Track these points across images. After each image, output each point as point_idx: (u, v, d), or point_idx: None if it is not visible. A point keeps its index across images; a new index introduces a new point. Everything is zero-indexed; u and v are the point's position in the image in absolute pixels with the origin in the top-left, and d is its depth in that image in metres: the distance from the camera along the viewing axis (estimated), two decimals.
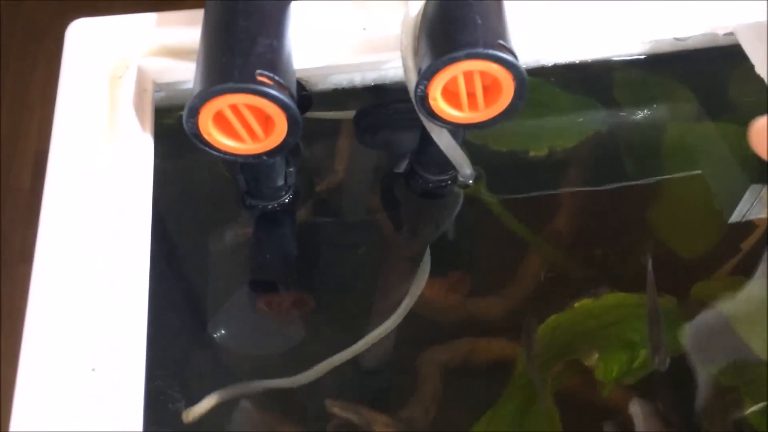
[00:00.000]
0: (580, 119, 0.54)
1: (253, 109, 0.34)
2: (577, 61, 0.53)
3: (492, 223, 0.48)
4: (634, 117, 0.54)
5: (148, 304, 0.33)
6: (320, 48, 0.40)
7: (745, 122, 0.51)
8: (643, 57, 0.54)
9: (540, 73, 0.54)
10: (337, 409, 0.40)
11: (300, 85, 0.48)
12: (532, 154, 0.51)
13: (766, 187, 0.49)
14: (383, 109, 0.50)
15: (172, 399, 0.39)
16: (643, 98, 0.54)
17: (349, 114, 0.50)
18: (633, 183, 0.50)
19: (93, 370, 0.29)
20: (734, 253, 0.48)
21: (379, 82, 0.50)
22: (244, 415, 0.40)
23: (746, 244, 0.48)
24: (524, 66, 0.52)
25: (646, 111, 0.54)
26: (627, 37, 0.49)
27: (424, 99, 0.35)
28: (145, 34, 0.40)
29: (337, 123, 0.51)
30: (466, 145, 0.49)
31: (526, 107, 0.52)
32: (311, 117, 0.49)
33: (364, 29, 0.40)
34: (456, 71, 0.34)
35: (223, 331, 0.41)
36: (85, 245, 0.33)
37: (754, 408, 0.41)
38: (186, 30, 0.39)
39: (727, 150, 0.52)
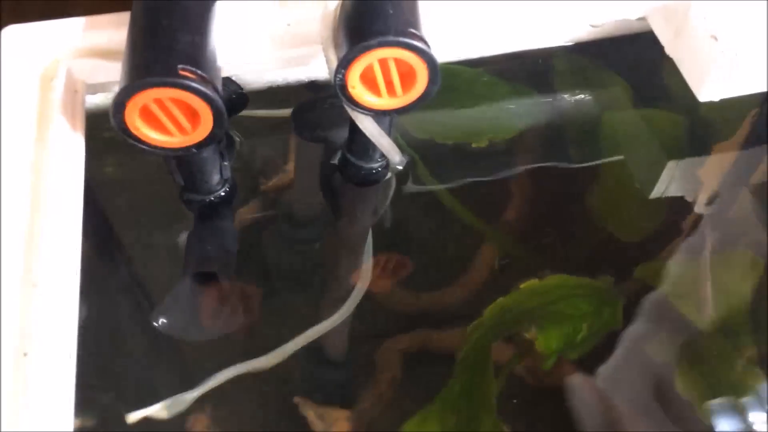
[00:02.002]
0: (520, 109, 0.56)
1: (178, 102, 0.36)
2: (511, 52, 0.55)
3: (439, 212, 0.50)
4: (572, 105, 0.55)
5: (84, 299, 0.35)
6: (246, 45, 0.41)
7: (678, 108, 0.54)
8: (581, 44, 0.55)
9: (478, 64, 0.56)
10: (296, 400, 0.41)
11: (235, 84, 0.49)
12: (474, 145, 0.53)
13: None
14: (319, 103, 0.52)
15: (111, 396, 0.40)
16: (582, 86, 0.56)
17: (287, 111, 0.52)
18: (574, 170, 0.52)
19: (25, 354, 0.31)
20: (674, 235, 0.50)
21: (313, 78, 0.51)
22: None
23: (682, 226, 0.50)
24: (462, 59, 0.54)
25: (584, 99, 0.56)
26: (548, 27, 0.51)
27: (343, 87, 0.37)
28: (76, 37, 0.41)
29: (275, 119, 0.52)
30: (412, 140, 0.51)
31: (466, 99, 0.55)
32: (249, 114, 0.51)
33: (288, 25, 0.41)
34: (371, 59, 0.36)
35: (164, 322, 0.42)
36: (16, 239, 0.34)
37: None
38: (116, 32, 0.40)
39: (663, 136, 0.54)
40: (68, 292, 0.34)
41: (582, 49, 0.56)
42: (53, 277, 0.34)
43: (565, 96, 0.55)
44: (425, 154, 0.51)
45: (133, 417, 0.40)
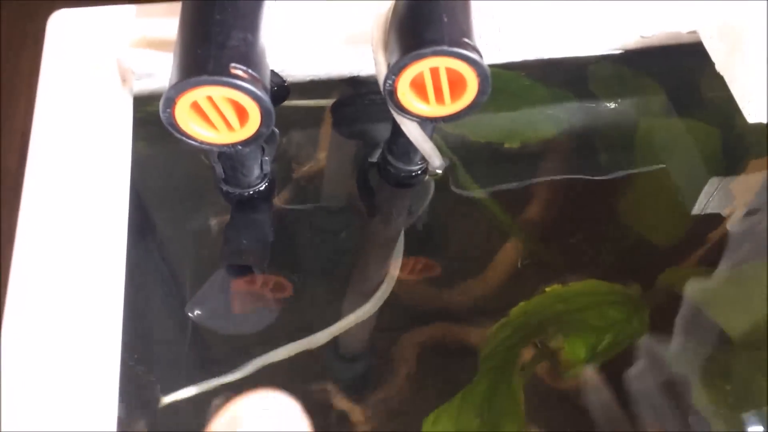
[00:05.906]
0: (555, 113, 0.55)
1: (227, 100, 0.36)
2: (554, 57, 0.54)
3: (468, 211, 0.50)
4: (608, 111, 0.55)
5: (126, 288, 0.35)
6: (295, 43, 0.41)
7: (713, 119, 0.53)
8: (619, 53, 0.55)
9: (517, 67, 0.55)
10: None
11: (279, 77, 0.49)
12: (506, 146, 0.52)
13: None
14: (359, 99, 0.52)
15: (149, 383, 0.41)
16: (618, 93, 0.55)
17: (327, 103, 0.52)
18: (606, 177, 0.52)
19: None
20: (701, 244, 0.49)
21: (355, 74, 0.51)
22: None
23: (713, 236, 0.50)
24: (503, 62, 0.54)
25: (620, 106, 0.55)
26: (596, 35, 0.50)
27: (392, 93, 0.37)
28: (125, 25, 0.41)
29: (315, 112, 0.52)
30: (445, 136, 0.51)
31: (502, 100, 0.54)
32: (290, 105, 0.51)
33: (338, 23, 0.41)
34: (422, 67, 0.35)
35: (199, 313, 0.43)
36: (64, 229, 0.34)
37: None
38: (165, 21, 0.40)
39: (699, 147, 0.54)
40: (115, 285, 0.34)
41: (622, 58, 0.55)
42: (101, 267, 0.34)
43: (602, 102, 0.55)
44: (458, 151, 0.51)
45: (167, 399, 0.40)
